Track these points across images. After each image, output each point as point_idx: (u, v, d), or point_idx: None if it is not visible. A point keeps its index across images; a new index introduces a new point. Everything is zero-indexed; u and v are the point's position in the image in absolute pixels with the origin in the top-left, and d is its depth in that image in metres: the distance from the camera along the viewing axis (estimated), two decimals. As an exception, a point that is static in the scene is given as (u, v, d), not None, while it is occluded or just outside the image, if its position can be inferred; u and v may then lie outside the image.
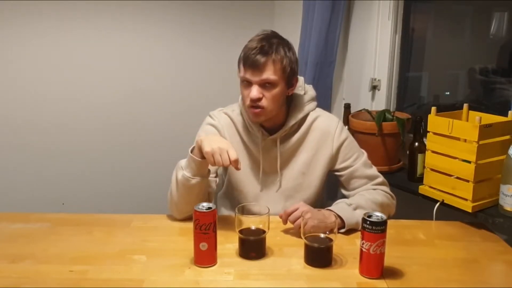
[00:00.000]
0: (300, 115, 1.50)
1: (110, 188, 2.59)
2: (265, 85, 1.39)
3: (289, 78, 1.44)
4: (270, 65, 1.38)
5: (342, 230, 1.35)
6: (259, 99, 1.39)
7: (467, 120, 1.62)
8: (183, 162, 1.43)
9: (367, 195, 1.45)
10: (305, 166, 1.52)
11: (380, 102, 2.30)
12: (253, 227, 1.25)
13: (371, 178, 1.51)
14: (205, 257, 1.19)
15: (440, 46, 2.30)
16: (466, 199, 1.48)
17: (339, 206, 1.38)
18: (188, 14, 2.55)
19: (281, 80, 1.41)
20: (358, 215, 1.34)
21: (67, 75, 2.45)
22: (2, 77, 2.38)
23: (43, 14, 2.35)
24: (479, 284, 1.15)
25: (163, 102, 2.62)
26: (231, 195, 1.58)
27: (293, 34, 2.34)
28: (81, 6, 2.37)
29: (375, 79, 2.31)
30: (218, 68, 2.66)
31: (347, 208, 1.37)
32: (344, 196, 1.53)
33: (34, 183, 2.49)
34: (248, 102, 1.41)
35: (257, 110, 1.41)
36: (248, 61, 1.38)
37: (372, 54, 2.29)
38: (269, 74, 1.38)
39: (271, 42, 1.39)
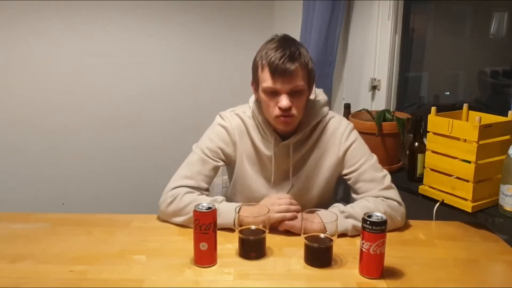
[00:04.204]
0: (314, 121, 1.47)
1: (110, 188, 2.59)
2: (293, 92, 1.35)
3: (312, 82, 1.42)
4: (299, 71, 1.33)
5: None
6: (290, 108, 1.35)
7: (467, 120, 1.62)
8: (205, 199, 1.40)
9: (366, 205, 1.40)
10: (312, 170, 1.50)
11: (380, 102, 2.30)
12: (253, 227, 1.25)
13: (378, 182, 1.45)
14: (205, 257, 1.19)
15: (440, 46, 2.30)
16: (466, 199, 1.48)
17: (330, 212, 1.32)
18: (188, 14, 2.55)
19: (307, 86, 1.38)
20: (348, 224, 1.35)
21: (67, 75, 2.45)
22: (2, 77, 2.38)
23: (44, 14, 2.35)
24: (479, 284, 1.15)
25: (163, 102, 2.62)
26: (238, 199, 1.54)
27: (293, 34, 2.33)
28: (83, 6, 2.37)
29: (375, 79, 2.31)
30: (219, 67, 2.67)
31: (339, 215, 1.34)
32: (349, 198, 1.52)
33: (34, 183, 2.49)
34: (276, 112, 1.36)
35: (288, 119, 1.37)
36: (278, 70, 1.31)
37: (372, 54, 2.29)
38: (298, 81, 1.34)
39: (293, 46, 1.34)
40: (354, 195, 1.50)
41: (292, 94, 1.35)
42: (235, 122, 1.49)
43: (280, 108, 1.35)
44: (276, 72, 1.32)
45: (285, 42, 1.36)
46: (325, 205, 1.44)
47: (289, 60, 1.31)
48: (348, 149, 1.48)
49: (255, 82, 1.42)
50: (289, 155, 1.47)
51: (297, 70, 1.33)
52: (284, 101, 1.34)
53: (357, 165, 1.47)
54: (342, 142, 1.49)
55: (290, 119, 1.38)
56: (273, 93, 1.35)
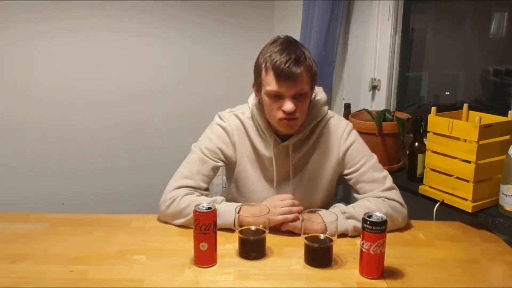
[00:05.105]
0: (314, 121, 1.47)
1: (110, 188, 2.60)
2: (297, 96, 1.34)
3: (315, 84, 1.41)
4: (304, 75, 1.33)
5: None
6: (294, 111, 1.34)
7: (467, 120, 1.62)
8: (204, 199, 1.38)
9: (367, 205, 1.40)
10: (314, 171, 1.50)
11: (380, 102, 2.30)
12: (253, 227, 1.25)
13: (379, 182, 1.45)
14: (205, 257, 1.19)
15: (440, 46, 2.30)
16: (466, 199, 1.48)
17: (330, 212, 1.34)
18: (188, 14, 2.56)
19: (310, 88, 1.38)
20: (349, 225, 1.35)
21: (68, 76, 2.46)
22: (2, 77, 2.38)
23: (43, 14, 2.35)
24: (479, 284, 1.15)
25: (163, 102, 2.63)
26: (240, 200, 1.52)
27: (293, 34, 2.33)
28: (83, 6, 2.38)
29: (375, 79, 2.31)
30: (219, 68, 2.67)
31: (340, 216, 1.34)
32: (349, 198, 1.51)
33: (34, 183, 2.49)
34: (280, 115, 1.36)
35: (292, 122, 1.37)
36: (283, 74, 1.30)
37: (372, 54, 2.29)
38: (303, 84, 1.33)
39: (298, 49, 1.33)
40: (355, 195, 1.50)
41: (296, 97, 1.34)
42: (233, 123, 1.49)
43: (284, 112, 1.34)
44: (281, 76, 1.31)
45: (289, 45, 1.35)
46: (328, 206, 1.44)
47: (294, 64, 1.30)
48: (348, 150, 1.48)
49: (258, 84, 1.40)
50: (288, 156, 1.47)
51: (302, 74, 1.32)
52: (289, 105, 1.33)
53: (358, 166, 1.47)
54: (341, 142, 1.48)
55: (294, 122, 1.38)
56: (277, 97, 1.34)
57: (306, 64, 1.33)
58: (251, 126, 1.48)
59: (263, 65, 1.35)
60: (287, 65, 1.30)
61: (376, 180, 1.45)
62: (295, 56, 1.31)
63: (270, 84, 1.33)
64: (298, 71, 1.31)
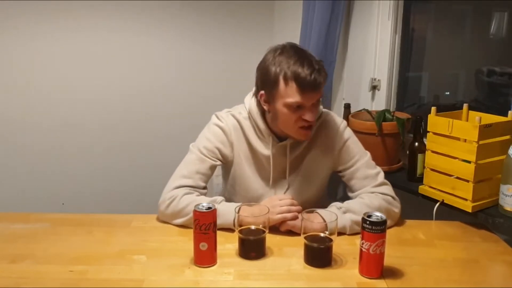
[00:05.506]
0: None
1: (110, 188, 2.59)
2: (315, 103, 1.36)
3: None
4: (323, 82, 1.34)
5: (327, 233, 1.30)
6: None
7: (467, 120, 1.62)
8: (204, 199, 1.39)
9: (361, 200, 1.42)
10: (309, 168, 1.51)
11: (380, 102, 2.30)
12: (253, 227, 1.25)
13: (372, 179, 1.48)
14: (205, 257, 1.19)
15: (440, 46, 2.30)
16: (466, 199, 1.48)
17: (329, 211, 1.33)
18: (188, 14, 2.55)
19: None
20: (346, 219, 1.35)
21: (68, 76, 2.46)
22: (2, 77, 2.38)
23: (43, 14, 2.35)
24: (479, 284, 1.15)
25: (163, 102, 2.63)
26: (236, 199, 1.54)
27: (293, 34, 2.35)
28: (83, 6, 2.38)
29: (375, 79, 2.31)
30: (219, 68, 2.67)
31: (337, 212, 1.34)
32: (348, 198, 1.53)
33: (34, 183, 2.49)
34: (300, 124, 1.36)
35: (309, 130, 1.39)
36: (309, 85, 1.30)
37: (372, 54, 2.29)
38: (320, 92, 1.35)
39: (311, 57, 1.34)
40: (349, 193, 1.52)
41: (314, 105, 1.36)
42: (231, 123, 1.49)
43: (305, 120, 1.35)
44: (308, 87, 1.31)
45: (302, 54, 1.35)
46: (320, 201, 1.46)
47: (319, 74, 1.31)
48: (343, 147, 1.50)
49: (271, 95, 1.37)
50: (285, 154, 1.48)
51: (322, 82, 1.34)
52: (311, 114, 1.35)
53: (351, 162, 1.49)
54: (337, 139, 1.50)
55: (311, 129, 1.40)
56: (298, 107, 1.34)
57: (324, 72, 1.34)
58: (248, 126, 1.49)
59: (281, 76, 1.33)
60: (313, 76, 1.30)
61: (369, 176, 1.48)
62: (318, 67, 1.32)
63: (292, 95, 1.32)
64: (322, 80, 1.33)
